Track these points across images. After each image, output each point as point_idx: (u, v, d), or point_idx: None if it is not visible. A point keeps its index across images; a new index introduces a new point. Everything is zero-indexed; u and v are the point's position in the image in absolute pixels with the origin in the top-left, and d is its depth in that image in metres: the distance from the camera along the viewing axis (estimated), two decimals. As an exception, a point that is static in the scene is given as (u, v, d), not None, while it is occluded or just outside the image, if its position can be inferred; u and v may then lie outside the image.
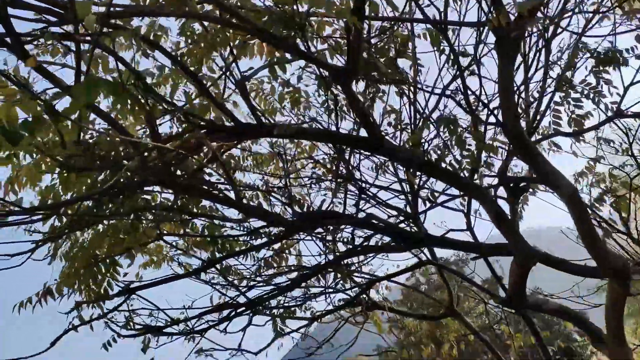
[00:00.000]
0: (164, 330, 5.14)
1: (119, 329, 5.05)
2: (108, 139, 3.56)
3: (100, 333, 4.94)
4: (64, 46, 3.59)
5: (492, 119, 4.70)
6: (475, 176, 4.74)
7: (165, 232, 4.65)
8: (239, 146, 5.43)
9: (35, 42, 3.56)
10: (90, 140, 3.94)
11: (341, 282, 5.83)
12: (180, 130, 3.83)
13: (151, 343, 5.19)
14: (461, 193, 4.82)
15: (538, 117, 5.17)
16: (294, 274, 5.53)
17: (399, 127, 4.84)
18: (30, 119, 2.28)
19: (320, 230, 5.37)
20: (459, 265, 18.64)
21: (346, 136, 4.18)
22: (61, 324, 4.21)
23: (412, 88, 5.00)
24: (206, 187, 3.91)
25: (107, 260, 4.44)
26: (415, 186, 5.30)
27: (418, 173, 5.19)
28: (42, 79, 3.12)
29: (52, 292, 4.56)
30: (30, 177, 3.95)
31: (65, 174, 3.73)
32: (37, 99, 2.33)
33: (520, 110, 4.91)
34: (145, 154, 3.37)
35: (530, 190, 5.70)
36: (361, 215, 4.74)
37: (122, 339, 5.00)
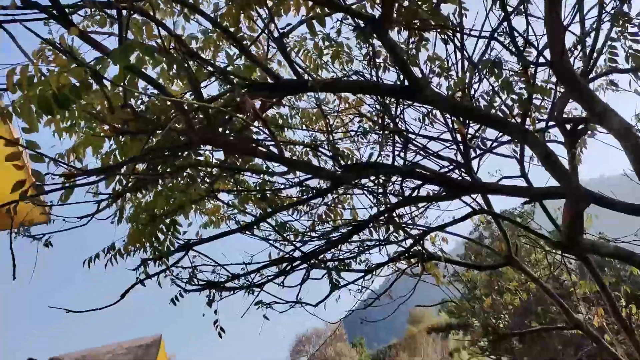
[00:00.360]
0: (225, 285, 5.42)
1: (184, 284, 5.39)
2: (157, 102, 3.73)
3: (167, 289, 5.30)
4: (109, 15, 3.75)
5: (541, 61, 4.52)
6: (528, 120, 4.61)
7: (218, 189, 4.86)
8: (286, 105, 5.52)
9: (83, 14, 3.75)
10: (142, 106, 4.15)
11: (394, 234, 5.89)
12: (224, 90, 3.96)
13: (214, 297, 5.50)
14: (509, 138, 4.71)
15: (594, 55, 4.93)
16: (347, 228, 5.64)
17: (443, 74, 4.75)
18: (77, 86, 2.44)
19: (370, 184, 5.43)
20: (523, 217, 18.20)
21: (383, 86, 4.16)
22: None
23: (457, 34, 4.87)
24: (251, 144, 4.04)
25: (168, 220, 4.72)
26: (466, 134, 5.23)
27: (468, 121, 5.11)
28: (91, 49, 3.31)
29: (121, 251, 4.92)
30: (91, 143, 4.22)
31: (121, 139, 3.96)
32: (82, 65, 2.48)
33: (571, 48, 4.70)
34: (192, 114, 3.51)
35: (589, 132, 5.49)
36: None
37: (187, 293, 5.34)
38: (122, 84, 3.07)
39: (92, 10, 3.62)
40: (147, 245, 4.78)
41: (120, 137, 4.04)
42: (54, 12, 2.66)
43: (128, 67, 2.65)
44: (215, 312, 5.37)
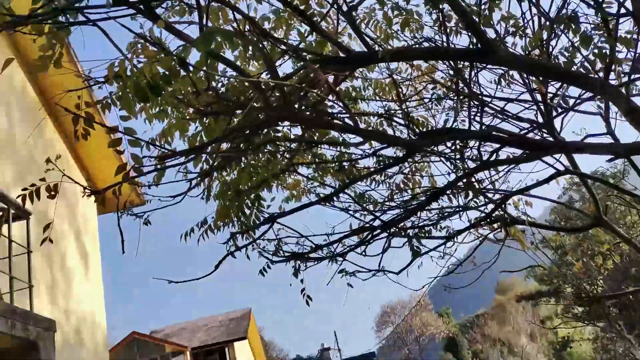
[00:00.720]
0: (309, 255, 5.65)
1: (271, 256, 5.68)
2: (236, 84, 3.94)
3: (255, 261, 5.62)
4: (188, 5, 3.98)
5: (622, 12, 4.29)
6: (613, 75, 4.42)
7: (298, 163, 5.07)
8: (358, 77, 5.59)
9: (164, 7, 4.01)
10: (222, 88, 4.39)
11: (474, 199, 5.85)
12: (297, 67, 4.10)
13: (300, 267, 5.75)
14: (592, 95, 4.54)
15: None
16: (425, 196, 5.68)
17: (518, 32, 4.63)
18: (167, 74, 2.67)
19: (446, 150, 5.42)
20: (615, 177, 17.23)
21: (454, 50, 4.13)
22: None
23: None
24: (327, 118, 4.17)
25: (252, 196, 5.00)
26: (546, 93, 5.08)
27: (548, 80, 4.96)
28: (174, 38, 3.55)
29: (211, 227, 5.27)
30: (179, 127, 4.54)
31: (205, 121, 4.24)
32: (170, 54, 2.70)
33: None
34: (269, 93, 3.69)
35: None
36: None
37: (274, 264, 5.63)
38: (204, 68, 3.30)
39: (173, 1, 3.86)
40: (234, 219, 5.09)
41: (205, 119, 4.32)
42: (141, 7, 2.90)
43: (209, 52, 2.84)
44: (302, 281, 5.62)
